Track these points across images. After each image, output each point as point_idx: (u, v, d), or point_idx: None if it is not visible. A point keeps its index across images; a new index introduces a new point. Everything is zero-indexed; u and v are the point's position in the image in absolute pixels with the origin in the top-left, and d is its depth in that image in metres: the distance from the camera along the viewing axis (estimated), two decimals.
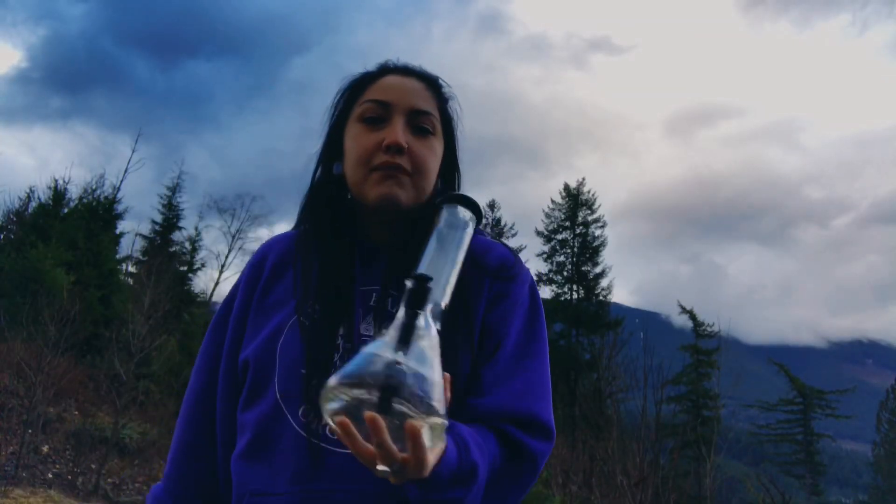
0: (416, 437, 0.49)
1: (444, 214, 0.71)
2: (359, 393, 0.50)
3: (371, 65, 0.92)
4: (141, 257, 17.55)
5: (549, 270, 21.11)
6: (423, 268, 0.62)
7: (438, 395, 0.51)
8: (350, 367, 0.51)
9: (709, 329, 19.18)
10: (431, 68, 0.96)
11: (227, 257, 20.45)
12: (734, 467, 20.04)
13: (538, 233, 22.01)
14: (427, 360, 0.53)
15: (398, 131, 0.80)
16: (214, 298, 18.99)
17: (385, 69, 0.90)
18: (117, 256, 16.32)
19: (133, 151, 18.55)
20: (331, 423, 0.51)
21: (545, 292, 20.27)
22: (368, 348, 0.53)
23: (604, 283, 20.77)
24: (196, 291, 18.49)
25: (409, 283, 0.58)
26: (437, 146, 0.86)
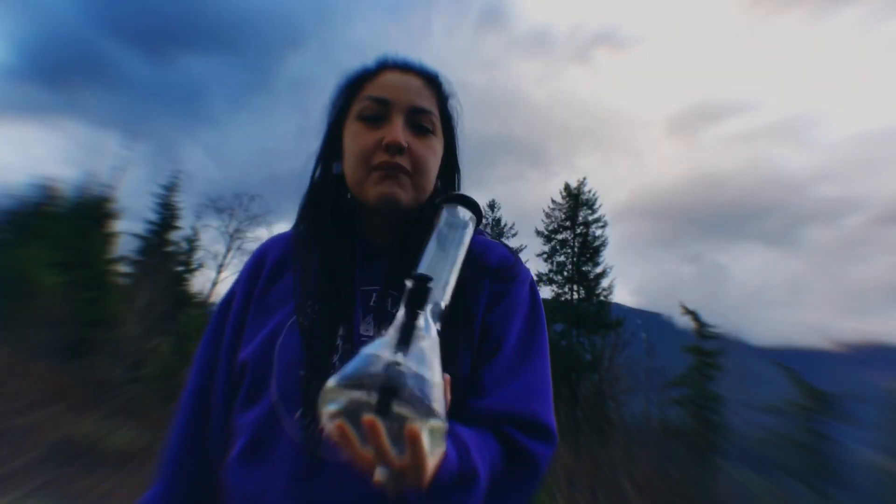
0: (416, 441, 0.46)
1: (444, 214, 0.69)
2: (357, 395, 0.47)
3: (370, 60, 0.89)
4: (136, 257, 17.36)
5: (550, 270, 21.08)
6: (423, 268, 0.61)
7: (439, 396, 0.49)
8: (349, 368, 0.49)
9: (713, 330, 19.09)
10: (431, 64, 0.93)
11: (225, 257, 20.13)
12: (742, 473, 19.89)
13: (538, 233, 21.86)
14: (427, 361, 0.50)
15: (398, 130, 0.79)
16: (212, 299, 18.74)
17: (384, 65, 0.88)
18: (111, 256, 15.98)
19: (125, 149, 18.30)
20: (328, 426, 0.48)
21: (545, 292, 20.20)
22: (367, 349, 0.50)
23: (605, 283, 20.72)
24: (193, 292, 18.37)
25: (408, 283, 0.56)
26: (437, 145, 0.85)
